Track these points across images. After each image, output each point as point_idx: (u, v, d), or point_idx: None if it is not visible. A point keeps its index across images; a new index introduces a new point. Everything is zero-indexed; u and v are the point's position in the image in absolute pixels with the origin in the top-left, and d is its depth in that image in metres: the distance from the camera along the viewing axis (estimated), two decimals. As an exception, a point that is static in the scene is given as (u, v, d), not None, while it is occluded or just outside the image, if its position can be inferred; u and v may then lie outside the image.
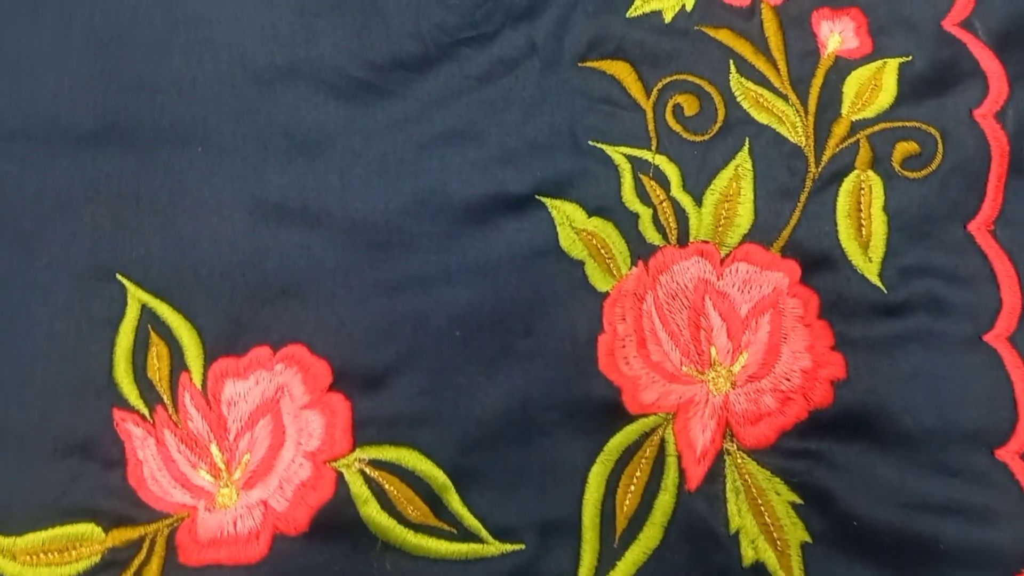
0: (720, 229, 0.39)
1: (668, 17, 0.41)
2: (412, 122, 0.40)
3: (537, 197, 0.39)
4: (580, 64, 0.40)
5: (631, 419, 0.37)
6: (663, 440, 0.37)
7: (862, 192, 0.39)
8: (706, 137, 0.40)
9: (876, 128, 0.40)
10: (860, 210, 0.39)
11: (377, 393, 0.37)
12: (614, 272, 0.38)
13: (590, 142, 0.40)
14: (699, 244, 0.39)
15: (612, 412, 0.37)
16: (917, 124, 0.39)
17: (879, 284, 0.38)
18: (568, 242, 0.38)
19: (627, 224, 0.39)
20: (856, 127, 0.40)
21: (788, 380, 0.37)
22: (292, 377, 0.37)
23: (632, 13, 0.41)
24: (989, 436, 0.36)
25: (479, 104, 0.40)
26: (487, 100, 0.40)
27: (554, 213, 0.39)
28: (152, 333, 0.37)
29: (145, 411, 0.36)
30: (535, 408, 0.37)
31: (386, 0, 0.41)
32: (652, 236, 0.39)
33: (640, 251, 0.39)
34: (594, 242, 0.39)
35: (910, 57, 0.40)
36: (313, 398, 0.36)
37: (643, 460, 0.36)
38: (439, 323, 0.37)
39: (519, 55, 0.40)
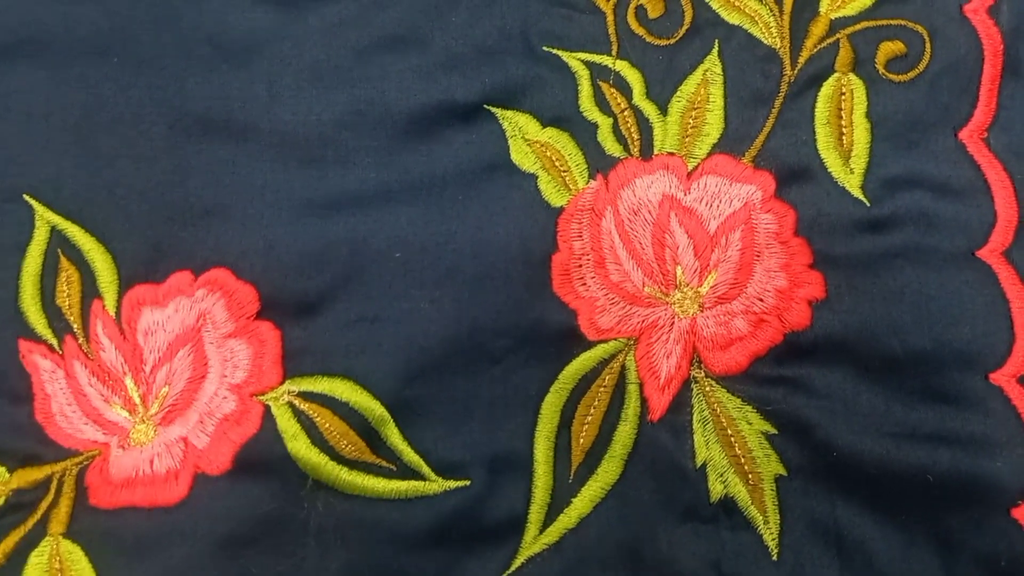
0: (687, 140, 0.35)
1: None
2: (348, 25, 0.36)
3: (486, 107, 0.35)
4: None
5: (588, 345, 0.33)
6: (623, 367, 0.33)
7: (843, 97, 0.35)
8: (672, 40, 0.36)
9: (858, 27, 0.36)
10: (841, 116, 0.35)
11: (310, 321, 0.33)
12: (570, 186, 0.35)
13: (544, 47, 0.36)
14: (664, 156, 0.35)
15: (568, 338, 0.33)
16: (903, 22, 0.36)
17: (862, 197, 0.34)
18: (520, 155, 0.35)
19: (585, 135, 0.35)
20: (836, 26, 0.36)
21: (761, 301, 0.34)
22: (215, 304, 0.33)
23: None
24: (983, 359, 0.33)
25: (422, 5, 0.36)
26: (431, 1, 0.36)
27: (505, 124, 0.35)
28: (62, 258, 0.34)
29: (54, 341, 0.33)
30: (484, 334, 0.33)
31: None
32: (612, 148, 0.35)
33: (599, 164, 0.35)
34: (548, 154, 0.35)
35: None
36: (239, 326, 0.33)
37: (601, 389, 0.33)
38: (378, 245, 0.34)
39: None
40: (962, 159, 0.35)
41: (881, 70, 0.36)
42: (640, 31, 0.36)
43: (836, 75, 0.35)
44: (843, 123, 0.35)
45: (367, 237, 0.34)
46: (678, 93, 0.36)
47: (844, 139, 0.35)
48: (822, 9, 0.36)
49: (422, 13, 0.36)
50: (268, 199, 0.34)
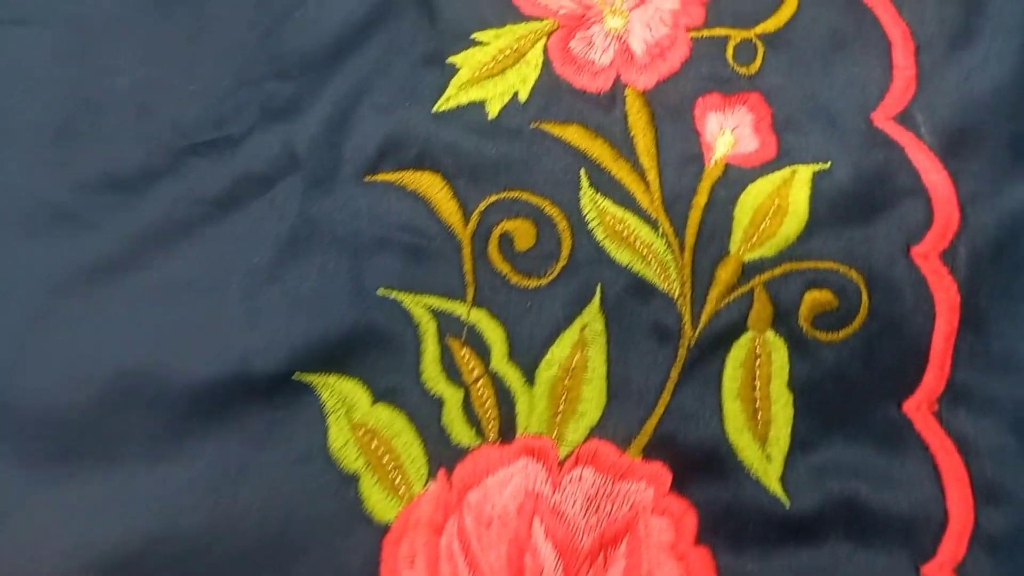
0: (558, 419, 0.27)
1: (493, 111, 0.29)
2: (119, 269, 0.28)
3: (296, 377, 0.28)
4: (367, 179, 0.29)
5: None
6: None
7: (758, 362, 0.28)
8: (543, 282, 0.29)
9: (778, 271, 0.28)
10: (755, 388, 0.28)
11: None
12: (401, 492, 0.27)
13: (380, 290, 0.29)
14: (529, 439, 0.27)
15: None
16: (834, 266, 0.28)
17: (780, 494, 0.27)
18: (340, 442, 0.27)
19: (426, 415, 0.27)
20: (749, 270, 0.28)
21: (649, 644, 0.26)
22: None
23: (442, 106, 0.30)
24: None
25: (216, 242, 0.28)
26: (228, 236, 0.28)
27: (324, 395, 0.28)
28: None
29: None
30: None
31: (103, 87, 0.30)
32: (461, 433, 0.27)
33: (442, 455, 0.27)
34: (375, 445, 0.27)
35: (828, 164, 0.29)
36: None
37: None
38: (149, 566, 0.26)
39: (273, 170, 0.29)
40: (908, 439, 0.28)
41: (806, 327, 0.28)
42: (503, 268, 0.29)
43: (749, 334, 0.28)
44: (758, 396, 0.27)
45: (141, 553, 0.26)
46: (549, 356, 0.28)
47: (759, 417, 0.27)
48: (732, 248, 0.28)
49: (216, 253, 0.28)
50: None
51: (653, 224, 0.29)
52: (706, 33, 0.30)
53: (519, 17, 0.30)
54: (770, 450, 0.27)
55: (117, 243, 0.28)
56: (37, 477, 0.26)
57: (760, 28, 0.30)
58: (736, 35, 0.30)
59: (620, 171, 0.29)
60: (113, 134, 0.29)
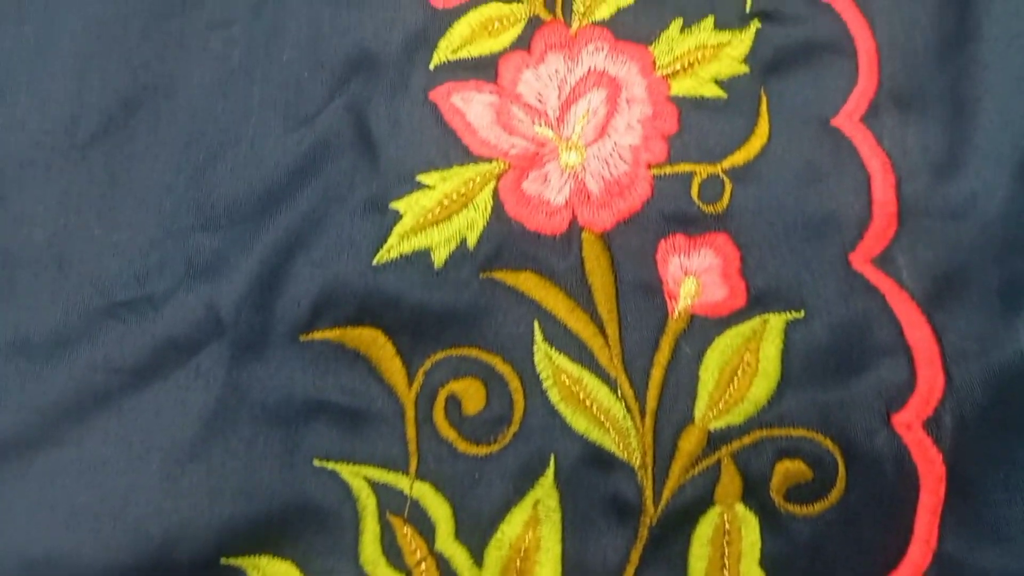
0: (509, 606, 0.25)
1: (439, 260, 0.27)
2: (28, 447, 0.26)
3: (224, 561, 0.25)
4: (302, 338, 0.27)
5: None
6: None
7: (727, 539, 0.25)
8: (493, 449, 0.26)
9: (747, 439, 0.26)
10: (725, 568, 0.25)
11: None
12: None
13: (315, 461, 0.26)
14: (477, 630, 0.25)
15: None
16: (808, 434, 0.26)
17: None
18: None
19: (364, 607, 0.25)
20: (716, 439, 0.26)
21: None
22: None
23: (383, 257, 0.27)
24: None
25: (135, 416, 0.26)
26: (148, 408, 0.26)
27: None
28: None
29: None
30: None
31: (18, 239, 0.28)
32: (402, 626, 0.25)
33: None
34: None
35: (802, 313, 0.27)
36: None
37: None
38: None
39: (197, 334, 0.27)
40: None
41: (779, 501, 0.26)
42: (449, 435, 0.26)
43: (717, 508, 0.25)
44: (727, 576, 0.25)
45: None
46: (498, 535, 0.25)
47: (729, 600, 0.25)
48: (697, 414, 0.26)
49: (129, 430, 0.26)
50: None
51: (612, 385, 0.26)
52: (669, 170, 0.28)
53: (467, 157, 0.28)
54: (740, 637, 0.25)
55: (26, 417, 0.26)
56: None
57: (728, 162, 0.28)
58: (702, 171, 0.28)
59: (577, 323, 0.27)
60: (28, 293, 0.27)
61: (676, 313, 0.27)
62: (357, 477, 0.26)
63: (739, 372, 0.26)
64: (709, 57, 0.29)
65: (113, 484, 0.25)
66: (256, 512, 0.25)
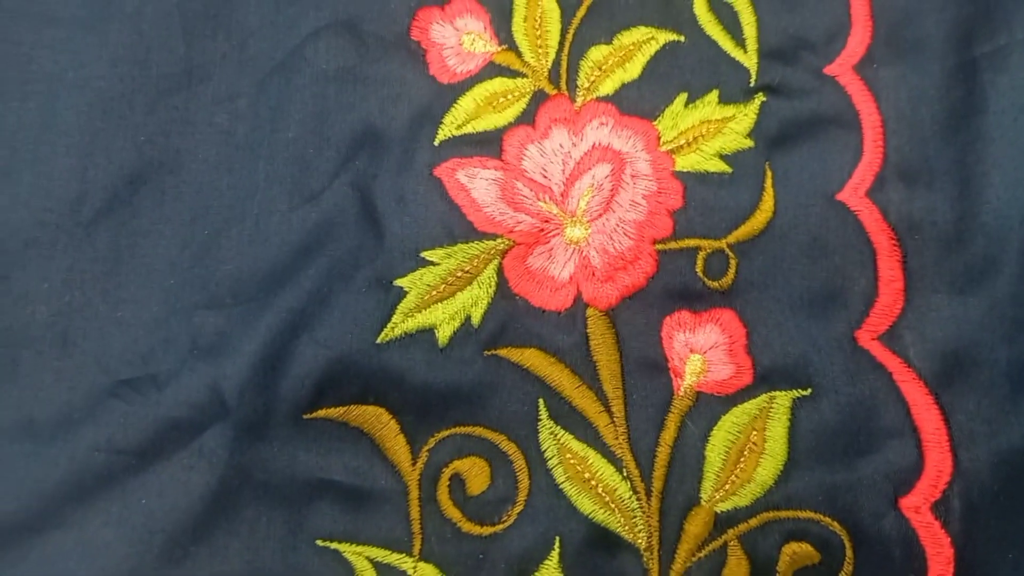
0: None
1: (444, 337, 0.27)
2: (30, 530, 0.26)
3: None
4: (306, 417, 0.27)
5: None
6: None
7: (734, 623, 0.25)
8: (497, 529, 0.26)
9: (754, 522, 0.26)
10: (731, 651, 0.25)
11: None
12: None
13: (319, 541, 0.26)
14: None
15: None
16: (816, 516, 0.26)
17: None
18: None
19: None
20: (723, 522, 0.26)
21: None
22: None
23: (387, 335, 0.27)
24: None
25: (137, 496, 0.26)
26: (151, 489, 0.26)
27: None
28: None
29: None
30: None
31: (22, 319, 0.28)
32: None
33: None
34: None
35: (808, 391, 0.27)
36: None
37: None
38: None
39: (201, 416, 0.26)
40: None
41: (786, 584, 0.26)
42: (453, 515, 0.26)
43: (724, 594, 0.25)
44: (734, 663, 0.25)
45: None
46: (503, 620, 0.26)
47: None
48: (704, 495, 0.26)
49: (130, 509, 0.26)
50: None
51: (618, 464, 0.26)
52: (673, 245, 0.28)
53: (472, 234, 0.28)
54: None
55: (28, 499, 0.26)
56: None
57: (733, 237, 0.28)
58: (707, 246, 0.28)
59: (582, 401, 0.27)
60: (31, 372, 0.27)
61: (682, 391, 0.27)
62: (360, 558, 0.26)
63: (746, 452, 0.26)
64: (714, 132, 0.29)
65: (115, 567, 0.25)
66: None
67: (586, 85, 0.29)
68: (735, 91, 0.29)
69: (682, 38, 0.29)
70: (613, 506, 0.26)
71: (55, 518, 0.26)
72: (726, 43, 0.29)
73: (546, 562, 0.26)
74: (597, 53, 0.29)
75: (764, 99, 0.29)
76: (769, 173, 0.28)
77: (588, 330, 0.27)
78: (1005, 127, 0.28)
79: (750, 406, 0.27)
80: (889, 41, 0.29)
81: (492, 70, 0.29)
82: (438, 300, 0.27)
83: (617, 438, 0.27)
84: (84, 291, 0.28)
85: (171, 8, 0.30)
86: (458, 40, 0.29)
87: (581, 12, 0.29)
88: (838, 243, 0.28)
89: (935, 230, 0.28)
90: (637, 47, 0.29)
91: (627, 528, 0.26)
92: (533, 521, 0.26)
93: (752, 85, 0.29)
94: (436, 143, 0.28)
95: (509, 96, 0.29)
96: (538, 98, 0.29)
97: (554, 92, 0.29)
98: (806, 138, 0.29)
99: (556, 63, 0.29)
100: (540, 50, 0.29)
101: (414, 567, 0.26)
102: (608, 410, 0.27)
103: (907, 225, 0.28)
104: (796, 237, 0.28)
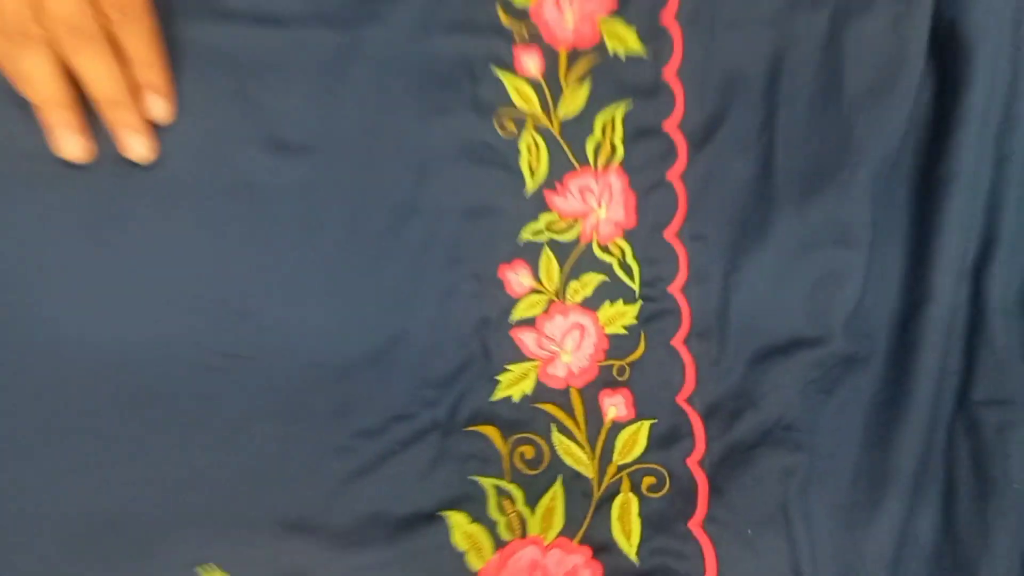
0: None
1: (516, 398, 0.62)
2: None
3: (440, 513, 0.67)
4: (464, 429, 0.61)
5: None
6: None
7: None
8: (537, 471, 0.68)
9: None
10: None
11: None
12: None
13: (470, 476, 0.64)
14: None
15: None
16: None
17: None
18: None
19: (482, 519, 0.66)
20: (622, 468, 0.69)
21: None
22: None
23: (494, 397, 0.63)
24: None
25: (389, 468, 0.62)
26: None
27: (450, 523, 0.67)
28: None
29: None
30: None
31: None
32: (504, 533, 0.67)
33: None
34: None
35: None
36: None
37: None
38: None
39: (426, 427, 0.60)
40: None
41: None
42: (520, 465, 0.67)
43: None
44: None
45: None
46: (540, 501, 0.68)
47: None
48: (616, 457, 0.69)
49: (385, 479, 0.62)
50: None
51: (583, 447, 0.69)
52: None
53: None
54: None
55: None
56: None
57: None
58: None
59: (570, 425, 0.70)
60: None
61: (606, 421, 0.70)
62: (487, 481, 0.68)
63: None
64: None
65: None
66: (438, 496, 0.64)
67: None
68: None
69: None
70: (579, 460, 0.68)
71: None
72: None
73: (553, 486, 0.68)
74: None
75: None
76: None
77: (571, 398, 0.70)
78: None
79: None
80: None
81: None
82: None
83: (583, 442, 0.69)
84: None
85: None
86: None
87: None
88: None
89: None
90: None
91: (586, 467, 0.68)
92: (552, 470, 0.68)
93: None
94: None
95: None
96: None
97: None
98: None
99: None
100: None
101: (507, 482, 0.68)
102: (578, 429, 0.69)
103: None
104: None
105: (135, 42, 0.53)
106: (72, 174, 0.55)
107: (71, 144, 0.54)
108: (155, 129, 0.56)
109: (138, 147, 0.55)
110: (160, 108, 0.55)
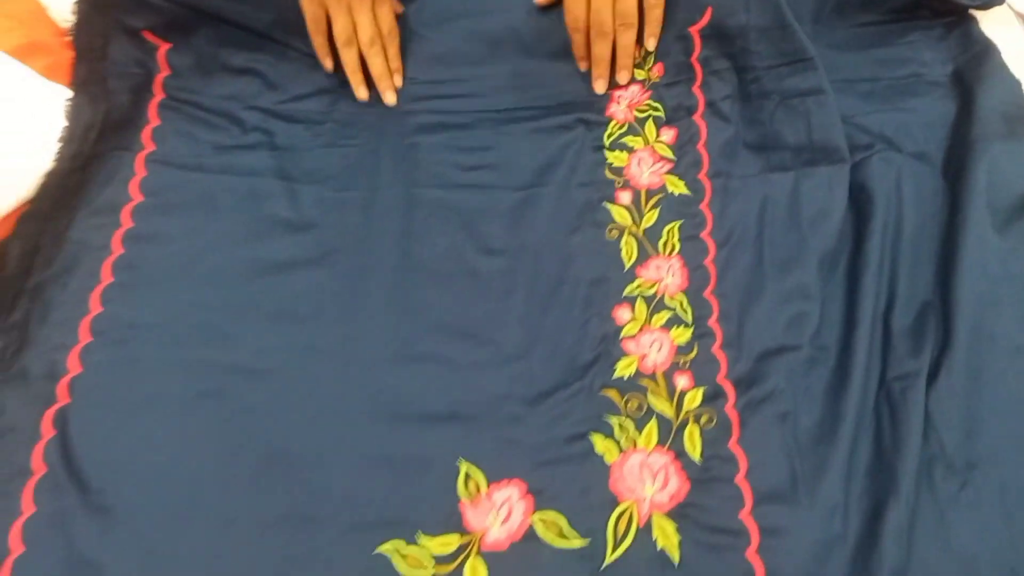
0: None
1: (626, 377, 0.89)
2: None
3: (588, 435, 1.13)
4: (599, 393, 0.89)
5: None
6: None
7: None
8: (640, 415, 1.12)
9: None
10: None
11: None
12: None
13: (603, 417, 0.93)
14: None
15: None
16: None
17: None
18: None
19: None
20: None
21: None
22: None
23: (614, 376, 0.92)
24: None
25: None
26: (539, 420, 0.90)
27: (593, 440, 1.11)
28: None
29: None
30: None
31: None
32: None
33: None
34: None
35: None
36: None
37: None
38: None
39: (576, 392, 0.90)
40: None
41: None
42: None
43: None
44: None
45: None
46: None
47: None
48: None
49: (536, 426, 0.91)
50: None
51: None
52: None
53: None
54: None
55: None
56: None
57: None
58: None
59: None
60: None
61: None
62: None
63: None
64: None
65: None
66: (573, 425, 0.95)
67: None
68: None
69: None
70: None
71: None
72: None
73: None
74: None
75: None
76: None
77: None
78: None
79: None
80: None
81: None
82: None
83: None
84: None
85: None
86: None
87: None
88: None
89: None
90: None
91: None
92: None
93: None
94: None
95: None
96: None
97: None
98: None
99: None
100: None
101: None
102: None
103: None
104: None
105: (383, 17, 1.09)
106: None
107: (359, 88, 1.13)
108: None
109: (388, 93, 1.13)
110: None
